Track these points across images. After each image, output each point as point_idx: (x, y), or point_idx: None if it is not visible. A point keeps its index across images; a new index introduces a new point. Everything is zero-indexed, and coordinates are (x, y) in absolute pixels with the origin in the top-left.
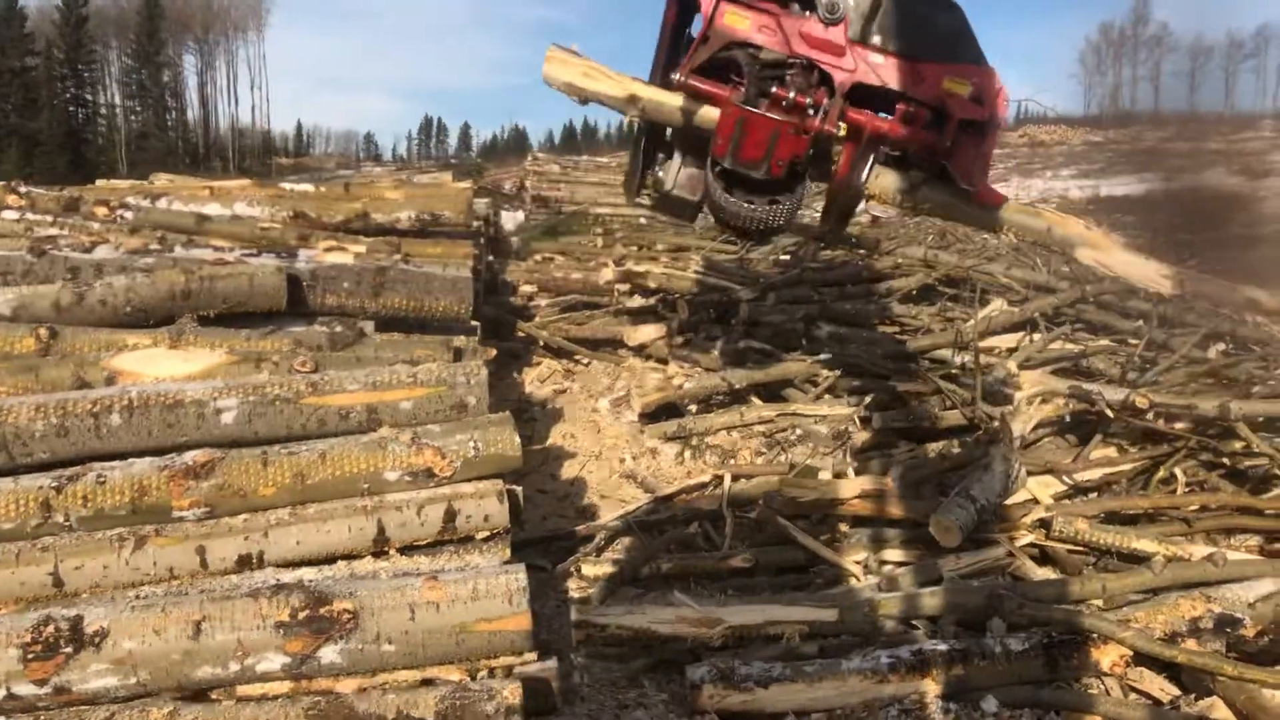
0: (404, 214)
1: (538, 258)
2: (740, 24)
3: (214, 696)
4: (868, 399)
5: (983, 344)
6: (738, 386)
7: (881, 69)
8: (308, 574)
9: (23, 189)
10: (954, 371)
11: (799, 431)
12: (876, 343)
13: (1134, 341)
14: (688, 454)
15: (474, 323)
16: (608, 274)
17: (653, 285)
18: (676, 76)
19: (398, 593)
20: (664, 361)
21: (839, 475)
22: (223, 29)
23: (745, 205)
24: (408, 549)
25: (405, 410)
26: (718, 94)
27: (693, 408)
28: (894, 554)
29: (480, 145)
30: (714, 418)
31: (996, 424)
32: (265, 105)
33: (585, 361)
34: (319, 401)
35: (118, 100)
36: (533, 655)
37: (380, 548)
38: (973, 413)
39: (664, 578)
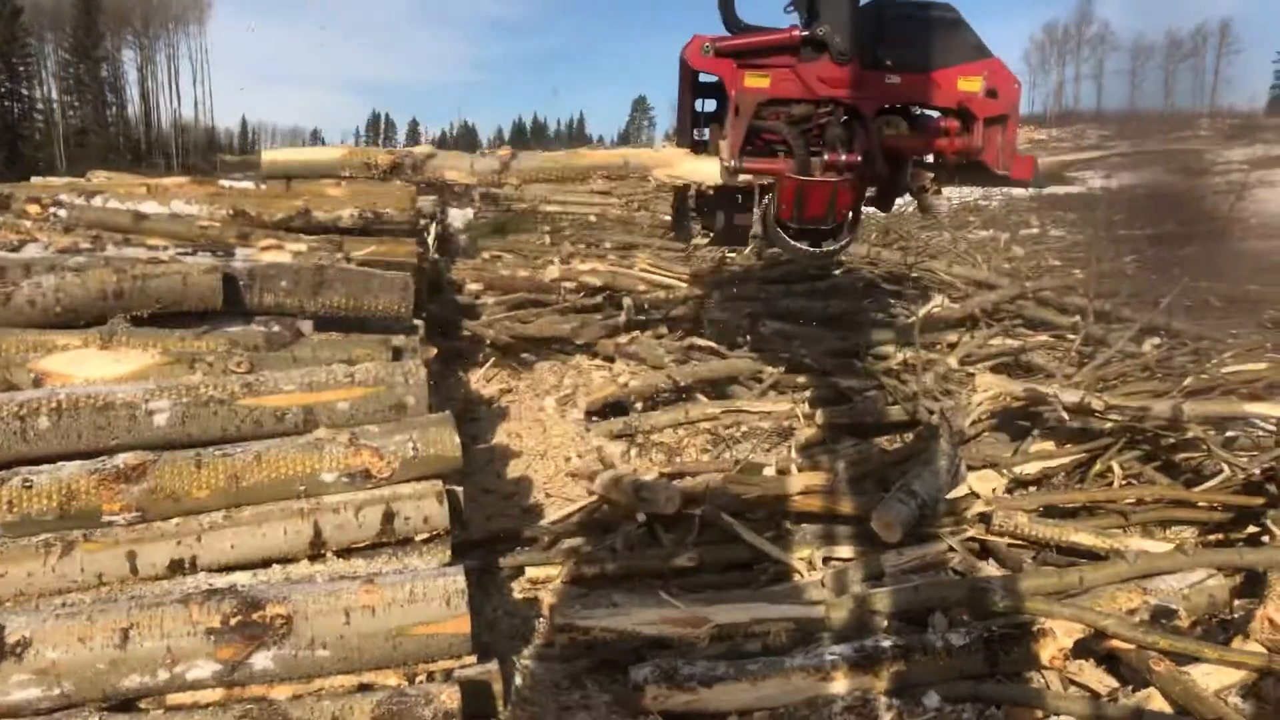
0: (346, 212)
1: (485, 256)
2: (761, 83)
3: (143, 706)
4: (811, 395)
5: (923, 340)
6: (683, 384)
7: (900, 87)
8: (241, 578)
9: None
10: (896, 368)
11: (744, 428)
12: (820, 340)
13: (1071, 337)
14: (633, 452)
15: (416, 322)
16: (553, 272)
17: (598, 283)
18: (731, 163)
19: (333, 597)
20: (610, 360)
21: (783, 472)
22: (163, 22)
23: (813, 250)
24: (345, 552)
25: (343, 411)
26: (775, 169)
27: (639, 405)
28: (838, 550)
29: (429, 141)
30: (659, 415)
31: (937, 419)
32: (208, 100)
33: (533, 360)
34: (254, 402)
35: (55, 95)
36: (472, 658)
37: (317, 551)
38: (914, 408)
39: (609, 578)
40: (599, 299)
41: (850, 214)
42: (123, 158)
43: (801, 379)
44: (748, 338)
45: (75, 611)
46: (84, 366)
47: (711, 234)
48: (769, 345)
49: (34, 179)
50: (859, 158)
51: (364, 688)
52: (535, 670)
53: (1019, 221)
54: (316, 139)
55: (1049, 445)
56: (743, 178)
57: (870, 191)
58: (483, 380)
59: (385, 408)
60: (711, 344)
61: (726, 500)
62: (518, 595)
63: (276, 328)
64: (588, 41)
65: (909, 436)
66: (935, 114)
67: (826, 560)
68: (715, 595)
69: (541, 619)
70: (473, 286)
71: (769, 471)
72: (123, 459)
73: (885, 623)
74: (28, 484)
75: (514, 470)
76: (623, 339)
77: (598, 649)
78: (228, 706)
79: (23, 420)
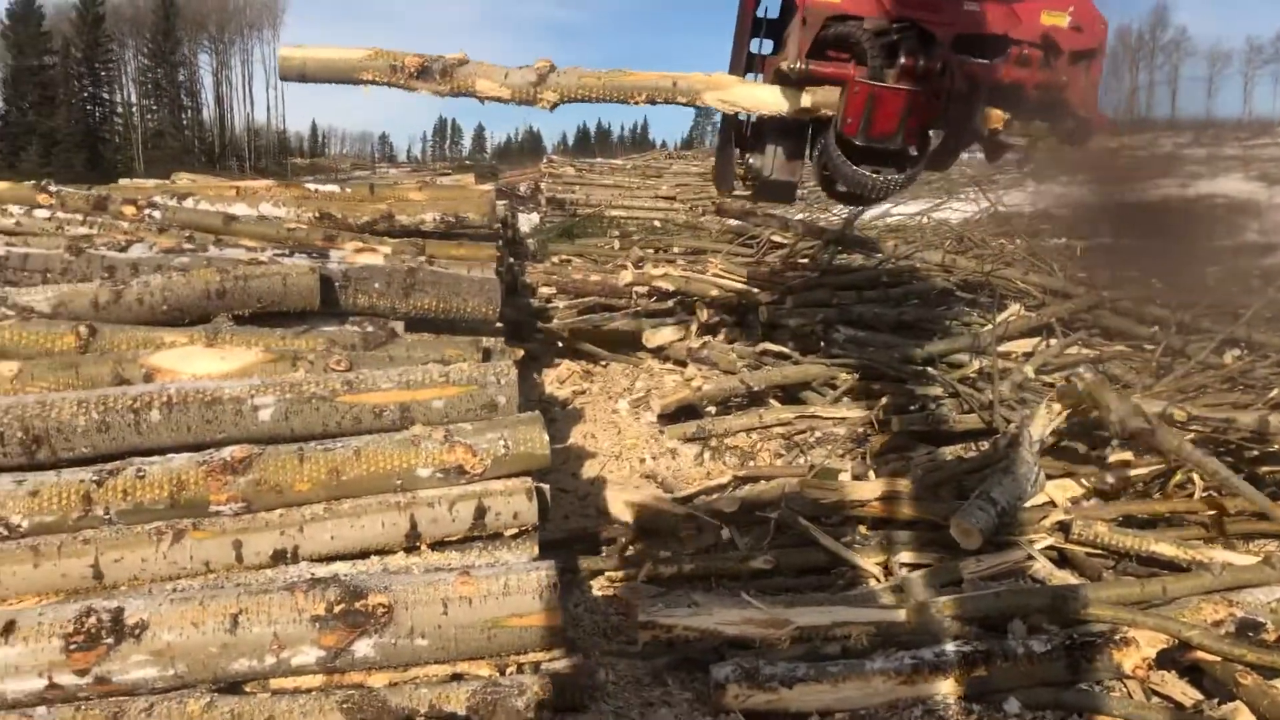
0: (428, 215)
1: (555, 260)
2: None
3: (248, 689)
4: (885, 402)
5: (1000, 349)
6: (756, 389)
7: (979, 16)
8: (341, 569)
9: (52, 188)
10: (971, 375)
11: (817, 434)
12: (894, 346)
13: (1150, 347)
14: (707, 455)
15: (498, 324)
16: (627, 276)
17: (671, 288)
18: (794, 65)
19: (431, 587)
20: (682, 364)
21: (859, 477)
22: (237, 28)
23: (876, 177)
24: (438, 545)
25: (437, 409)
26: (843, 74)
27: (711, 409)
28: (913, 556)
29: (494, 147)
30: (733, 419)
31: (1015, 427)
32: (280, 105)
33: (604, 363)
34: (354, 399)
35: (134, 99)
36: (561, 651)
37: (412, 543)
38: (990, 416)
39: (685, 578)
40: (671, 303)
41: (919, 140)
42: (197, 160)
43: (875, 385)
44: (821, 343)
45: (188, 596)
46: (191, 363)
47: (755, 185)
48: (842, 351)
49: (122, 180)
50: (938, 65)
51: (456, 677)
52: (617, 666)
53: (1092, 230)
54: (385, 142)
55: (1128, 455)
56: (804, 101)
57: (935, 141)
58: (556, 382)
59: (478, 406)
60: (784, 349)
61: (802, 505)
62: (596, 593)
63: (370, 328)
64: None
65: (984, 444)
66: (1016, 45)
67: (903, 566)
68: (794, 598)
69: (621, 616)
70: (544, 290)
71: (844, 477)
72: (229, 452)
73: (965, 628)
74: (141, 474)
75: (589, 470)
76: (695, 343)
77: (678, 647)
78: (329, 692)
79: (136, 413)
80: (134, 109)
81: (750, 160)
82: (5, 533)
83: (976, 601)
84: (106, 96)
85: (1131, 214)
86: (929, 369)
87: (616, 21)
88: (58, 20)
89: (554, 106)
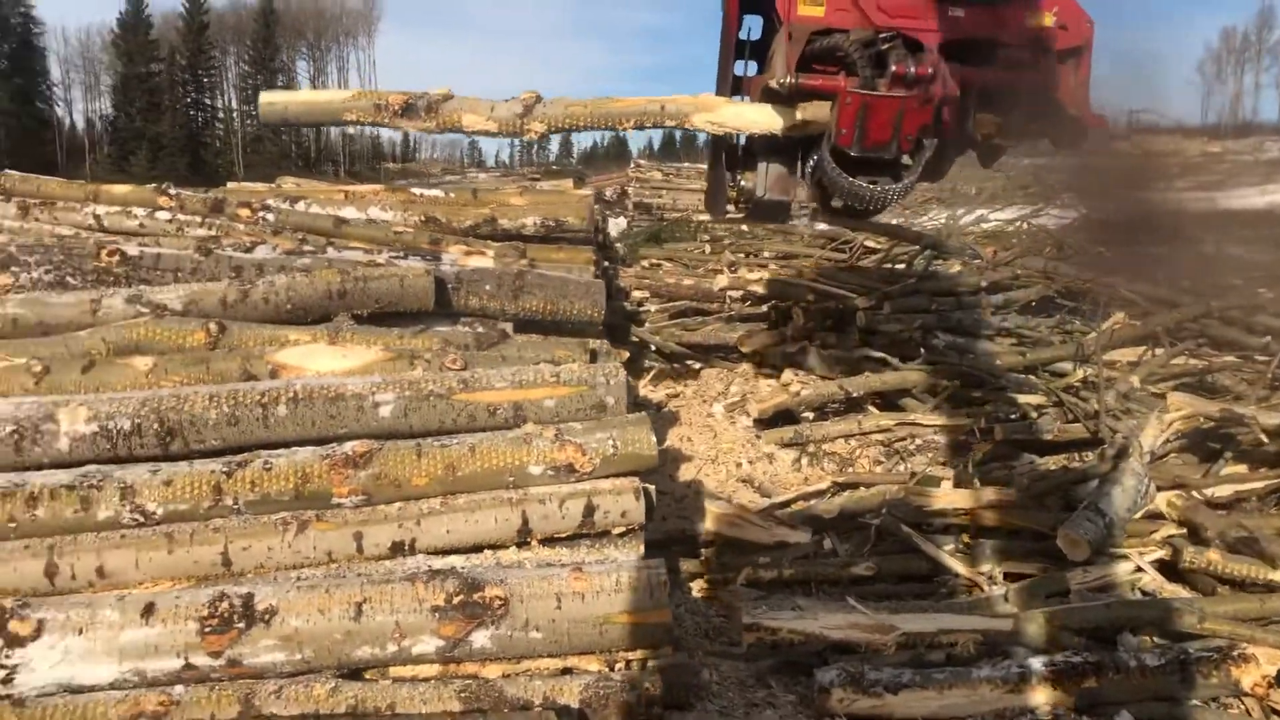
0: (529, 220)
1: (645, 264)
2: (815, 11)
3: (368, 676)
4: (987, 410)
5: (1104, 357)
6: (855, 395)
7: (964, 21)
8: (457, 561)
9: (172, 191)
10: (1075, 384)
11: (917, 441)
12: (995, 354)
13: (1261, 358)
14: (804, 461)
15: (600, 326)
16: (722, 280)
17: (766, 292)
18: (784, 80)
19: (545, 582)
20: (777, 368)
21: (960, 485)
22: (334, 35)
23: (873, 188)
24: (548, 541)
25: (548, 408)
26: (834, 86)
27: (808, 415)
28: (1017, 566)
29: (581, 152)
30: (830, 425)
31: (1123, 438)
32: None
33: (698, 367)
34: (469, 398)
35: (234, 104)
36: (669, 649)
37: (523, 539)
38: (1096, 426)
39: (785, 583)
40: (765, 308)
41: (915, 146)
42: (294, 165)
43: (976, 393)
44: (920, 349)
45: (314, 585)
46: (315, 360)
47: (748, 206)
48: (942, 358)
49: (229, 184)
50: (928, 70)
51: (565, 671)
52: (720, 667)
53: (1196, 239)
54: (475, 147)
55: (1242, 468)
56: (796, 116)
57: (930, 146)
58: (650, 385)
59: (587, 407)
60: (882, 355)
61: (904, 512)
62: (696, 594)
63: (480, 328)
64: None
65: (1089, 455)
66: (1004, 48)
67: (1007, 576)
68: (897, 605)
69: (721, 618)
70: (636, 294)
71: (946, 485)
72: (351, 446)
73: (1074, 639)
74: (268, 466)
75: (685, 474)
76: (791, 348)
77: (781, 650)
78: (447, 681)
79: (264, 408)
80: (234, 114)
81: (742, 181)
82: (142, 519)
83: (1085, 612)
84: (208, 102)
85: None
86: (1031, 377)
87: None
88: (164, 29)
89: (541, 136)
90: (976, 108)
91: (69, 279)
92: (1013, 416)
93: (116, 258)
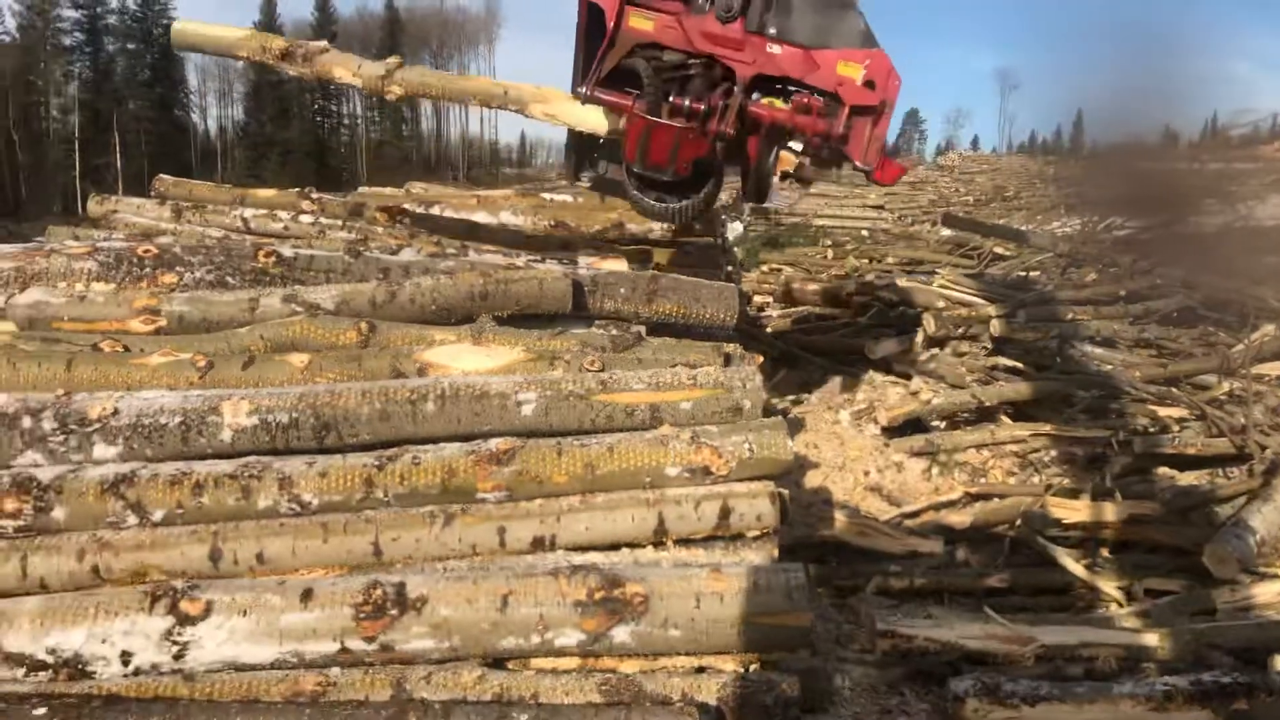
0: (655, 225)
1: (765, 269)
2: (644, 25)
3: (510, 666)
4: (1125, 422)
5: (1252, 371)
6: (988, 404)
7: (780, 59)
8: (595, 558)
9: (314, 195)
10: (1220, 398)
11: (1052, 452)
12: (1134, 365)
13: None
14: (935, 470)
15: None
16: (849, 286)
17: (895, 298)
18: (583, 90)
19: (684, 581)
20: (906, 376)
21: (1098, 498)
22: (456, 43)
23: (658, 204)
24: (683, 541)
25: (685, 410)
26: (622, 105)
27: (939, 423)
28: (1159, 582)
29: None
30: (962, 435)
31: (1274, 454)
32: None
33: (823, 373)
34: (608, 398)
35: (359, 111)
36: (806, 653)
37: (659, 538)
38: (1244, 442)
39: (916, 592)
40: (893, 314)
41: (693, 170)
42: (415, 170)
43: (1114, 404)
44: (1056, 359)
45: (461, 576)
46: (460, 359)
47: (594, 179)
48: (1079, 368)
49: (360, 188)
50: (702, 107)
51: (700, 670)
52: (853, 673)
53: None
54: None
55: None
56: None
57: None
58: (773, 391)
59: (723, 410)
60: (1017, 364)
61: (1040, 524)
62: (825, 601)
63: (615, 331)
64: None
65: (1235, 471)
66: (805, 92)
67: (1147, 592)
68: (1034, 617)
69: (851, 625)
70: (757, 299)
71: (1084, 498)
72: (495, 443)
73: (1222, 658)
74: (416, 461)
75: (812, 481)
76: (922, 355)
77: (914, 658)
78: (588, 674)
79: (413, 404)
80: (359, 121)
81: (594, 155)
82: (298, 509)
83: (1235, 631)
84: (334, 109)
85: None
86: (1173, 389)
87: None
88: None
89: (400, 99)
90: (775, 143)
91: (229, 279)
92: (1151, 430)
93: (273, 259)
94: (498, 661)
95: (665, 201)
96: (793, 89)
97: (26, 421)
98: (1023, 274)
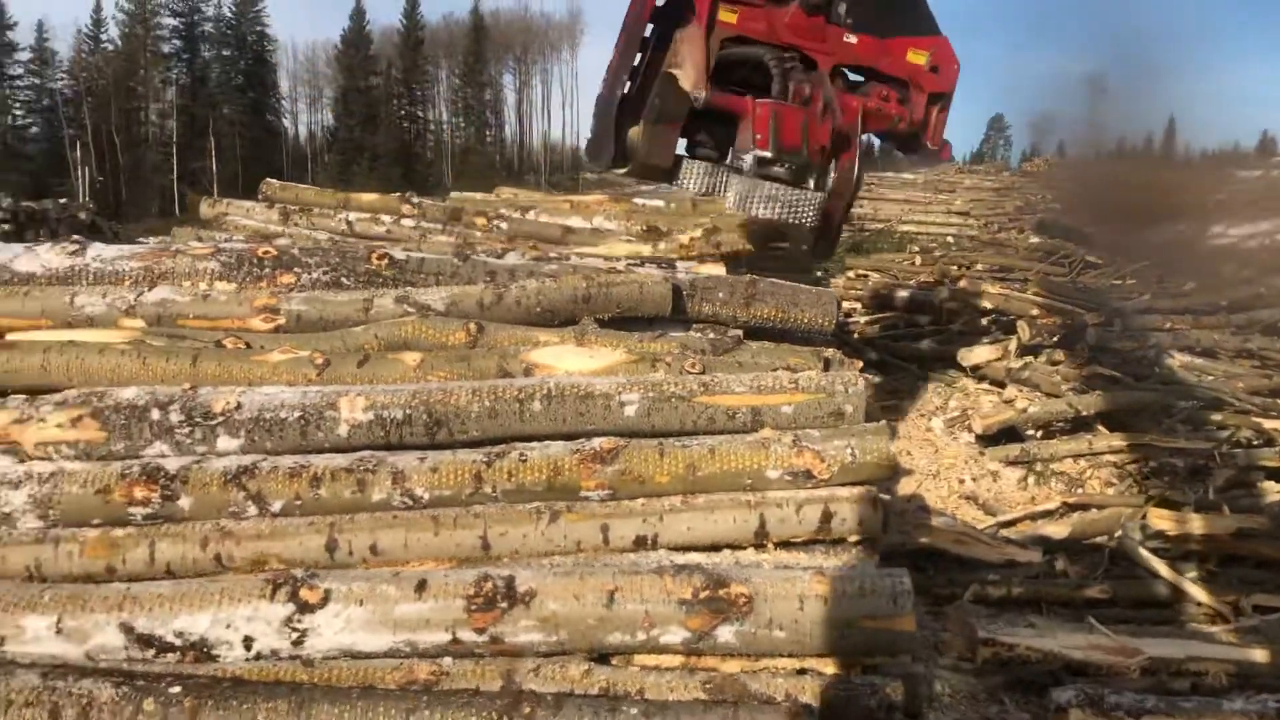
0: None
1: (850, 274)
2: (730, 18)
3: (614, 662)
4: (1229, 434)
5: None
6: (1085, 413)
7: (856, 48)
8: (696, 558)
9: (414, 199)
10: None
11: (1152, 463)
12: (1237, 376)
13: None
14: (1031, 479)
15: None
16: (942, 293)
17: (988, 305)
18: (698, 94)
19: (789, 583)
20: (999, 384)
21: (1202, 511)
22: (540, 49)
23: (786, 190)
24: (783, 544)
25: (786, 414)
26: (741, 103)
27: (1034, 432)
28: (1269, 598)
29: None
30: (1059, 444)
31: None
32: (575, 122)
33: (913, 380)
34: (709, 401)
35: (445, 117)
36: (908, 658)
37: (760, 541)
38: None
39: (1014, 601)
40: (985, 321)
41: (824, 159)
42: (499, 175)
43: (1218, 416)
44: (1154, 369)
45: (568, 571)
46: (564, 360)
47: (633, 162)
48: (1178, 379)
49: (453, 194)
50: (825, 95)
51: (801, 671)
52: (951, 681)
53: None
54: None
55: None
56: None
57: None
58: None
59: (825, 414)
60: (1114, 373)
61: (1141, 536)
62: (922, 609)
63: (712, 334)
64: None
65: None
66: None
67: (1256, 608)
68: (1136, 629)
69: (948, 632)
70: (844, 304)
71: (1187, 510)
72: (598, 442)
73: None
74: (523, 458)
75: (905, 487)
76: (1015, 363)
77: (1013, 667)
78: (692, 672)
79: (520, 403)
80: (444, 127)
81: (631, 140)
82: (410, 503)
83: None
84: (421, 115)
85: None
86: (1278, 401)
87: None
88: (382, 44)
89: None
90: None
91: (343, 279)
92: (1255, 442)
93: (385, 261)
94: (602, 656)
95: (783, 188)
96: (862, 78)
97: (155, 414)
98: (1118, 282)
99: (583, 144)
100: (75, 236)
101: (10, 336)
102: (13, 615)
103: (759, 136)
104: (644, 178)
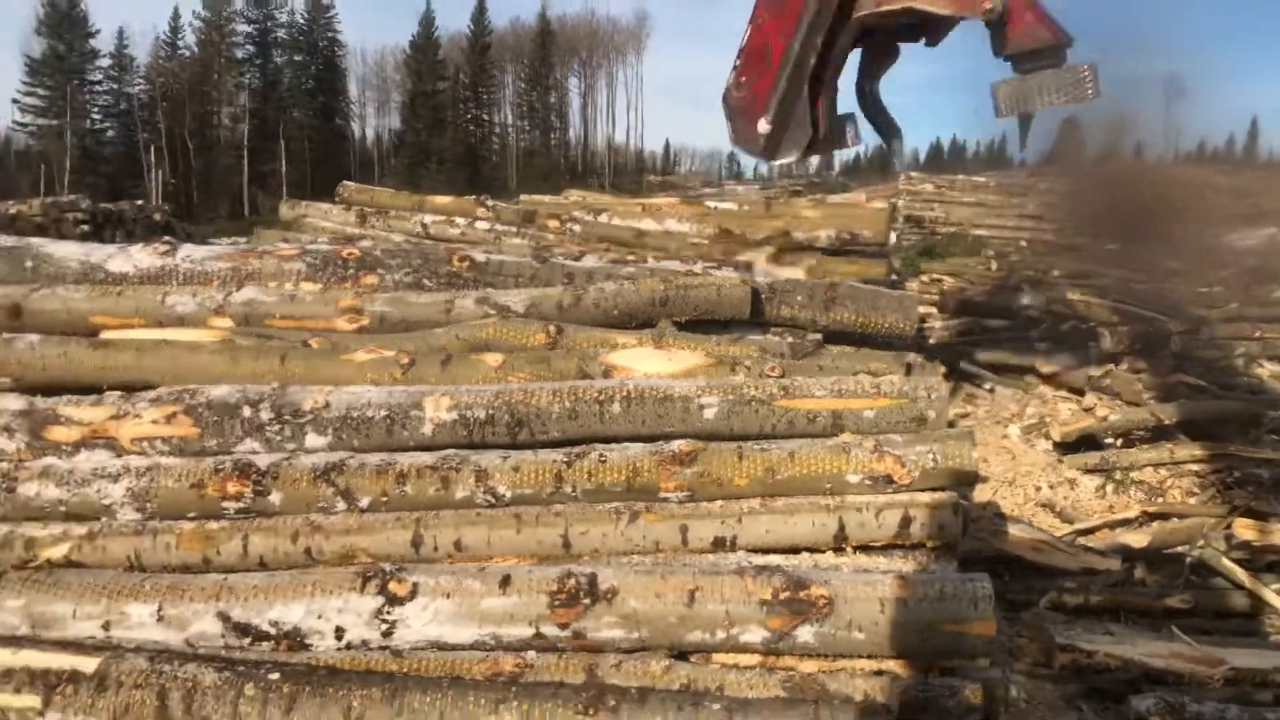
0: (823, 232)
1: (925, 278)
2: None
3: (692, 660)
4: None
5: None
6: (1167, 422)
7: None
8: (775, 560)
9: (489, 203)
10: None
11: (1236, 474)
12: None
13: None
14: (1109, 488)
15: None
16: (1023, 299)
17: (1067, 311)
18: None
19: (869, 586)
20: (1078, 391)
21: None
22: (605, 52)
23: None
24: (863, 548)
25: (867, 419)
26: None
27: (1113, 441)
28: None
29: (843, 164)
30: (1139, 453)
31: None
32: (640, 125)
33: (988, 386)
34: (789, 404)
35: (510, 121)
36: (986, 662)
37: (839, 544)
38: None
39: (1091, 609)
40: (1064, 328)
41: None
42: (563, 178)
43: None
44: (1241, 378)
45: (649, 570)
46: (642, 362)
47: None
48: (1266, 388)
49: (522, 196)
50: None
51: (879, 673)
52: (1027, 686)
53: None
54: (733, 160)
55: None
56: None
57: None
58: None
59: (907, 419)
60: (1199, 382)
61: (1224, 546)
62: (998, 615)
63: (790, 338)
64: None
65: None
66: None
67: None
68: (1219, 640)
69: (1023, 639)
70: (919, 309)
71: (1274, 521)
72: (677, 445)
73: None
74: (603, 459)
75: (981, 494)
76: (1096, 371)
77: (1091, 674)
78: (772, 671)
79: (600, 404)
80: (510, 130)
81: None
82: (493, 501)
83: None
84: (486, 118)
85: None
86: None
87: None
88: (450, 49)
89: None
90: None
91: (425, 281)
92: None
93: (466, 264)
94: (681, 654)
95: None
96: None
97: (246, 411)
98: (1204, 290)
99: (645, 144)
100: (166, 238)
101: (105, 334)
102: (117, 602)
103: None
104: (819, 151)
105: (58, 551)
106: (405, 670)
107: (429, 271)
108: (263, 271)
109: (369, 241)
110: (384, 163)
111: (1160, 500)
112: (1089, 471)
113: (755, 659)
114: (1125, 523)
